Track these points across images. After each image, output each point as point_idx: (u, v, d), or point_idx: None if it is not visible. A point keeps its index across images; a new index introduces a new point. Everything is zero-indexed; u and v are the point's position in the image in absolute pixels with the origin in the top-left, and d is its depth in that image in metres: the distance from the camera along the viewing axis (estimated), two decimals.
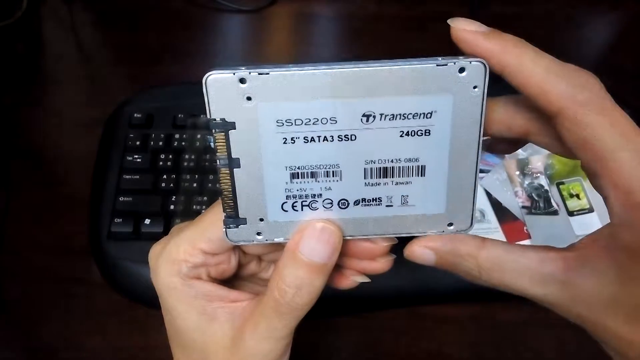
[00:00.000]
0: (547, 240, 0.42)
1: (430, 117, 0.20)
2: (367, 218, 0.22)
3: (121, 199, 0.44)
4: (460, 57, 0.19)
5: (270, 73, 0.19)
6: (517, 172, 0.46)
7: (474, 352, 0.42)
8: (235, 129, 0.20)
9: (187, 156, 0.46)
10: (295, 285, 0.22)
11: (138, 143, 0.47)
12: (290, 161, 0.21)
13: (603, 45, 0.61)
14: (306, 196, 0.22)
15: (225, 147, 0.20)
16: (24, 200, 0.48)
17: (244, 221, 0.22)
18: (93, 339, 0.42)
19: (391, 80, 0.19)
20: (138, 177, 0.45)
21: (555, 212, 0.44)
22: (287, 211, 0.22)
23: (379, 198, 0.22)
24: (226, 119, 0.20)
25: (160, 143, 0.47)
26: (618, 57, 0.59)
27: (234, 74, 0.19)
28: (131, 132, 0.48)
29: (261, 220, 0.22)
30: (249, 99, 0.20)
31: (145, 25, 0.61)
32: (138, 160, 0.46)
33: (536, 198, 0.44)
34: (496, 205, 0.44)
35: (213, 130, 0.20)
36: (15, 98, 0.54)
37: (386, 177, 0.21)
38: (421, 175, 0.21)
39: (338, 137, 0.20)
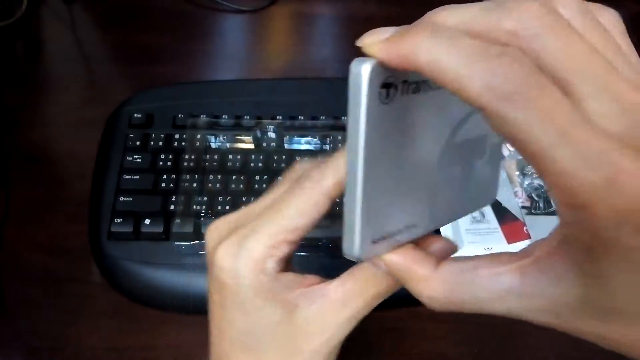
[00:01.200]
0: None
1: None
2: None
3: (121, 199, 0.44)
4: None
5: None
6: (517, 173, 0.46)
7: (473, 352, 0.42)
8: None
9: (187, 156, 0.46)
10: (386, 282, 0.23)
11: (138, 143, 0.47)
12: None
13: None
14: None
15: None
16: (24, 200, 0.48)
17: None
18: (93, 339, 0.42)
19: None
20: (138, 177, 0.45)
21: (555, 212, 0.44)
22: None
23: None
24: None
25: (160, 143, 0.47)
26: None
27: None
28: (131, 132, 0.48)
29: None
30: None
31: (145, 25, 0.61)
32: (138, 160, 0.46)
33: (536, 198, 0.44)
34: (496, 206, 0.44)
35: None
36: (15, 98, 0.54)
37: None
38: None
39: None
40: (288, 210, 0.22)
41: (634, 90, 0.15)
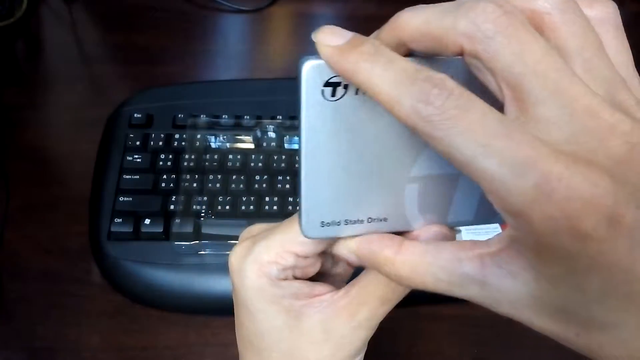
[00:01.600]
0: None
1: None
2: None
3: (121, 199, 0.44)
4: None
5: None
6: None
7: (473, 352, 0.43)
8: None
9: (187, 156, 0.46)
10: (398, 287, 0.23)
11: (138, 143, 0.47)
12: None
13: None
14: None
15: None
16: (23, 200, 0.48)
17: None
18: (93, 339, 0.42)
19: None
20: (138, 177, 0.45)
21: None
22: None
23: None
24: None
25: (160, 143, 0.47)
26: None
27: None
28: (131, 132, 0.48)
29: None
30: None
31: (145, 25, 0.61)
32: (138, 160, 0.46)
33: None
34: None
35: None
36: (15, 98, 0.54)
37: None
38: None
39: None
40: (296, 225, 0.23)
41: (590, 95, 0.15)
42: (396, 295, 0.24)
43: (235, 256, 0.24)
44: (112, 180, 0.45)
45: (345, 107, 0.19)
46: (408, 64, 0.17)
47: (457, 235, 0.43)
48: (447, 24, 0.16)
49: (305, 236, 0.22)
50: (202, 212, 0.44)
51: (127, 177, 0.45)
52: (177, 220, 0.43)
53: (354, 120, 0.19)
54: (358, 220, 0.22)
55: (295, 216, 0.24)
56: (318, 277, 0.27)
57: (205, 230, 0.43)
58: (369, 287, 0.24)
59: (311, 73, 0.18)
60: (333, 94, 0.19)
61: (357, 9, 0.63)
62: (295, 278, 0.25)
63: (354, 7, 0.63)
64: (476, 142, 0.15)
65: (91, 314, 0.43)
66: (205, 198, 0.44)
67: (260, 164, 0.46)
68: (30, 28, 0.60)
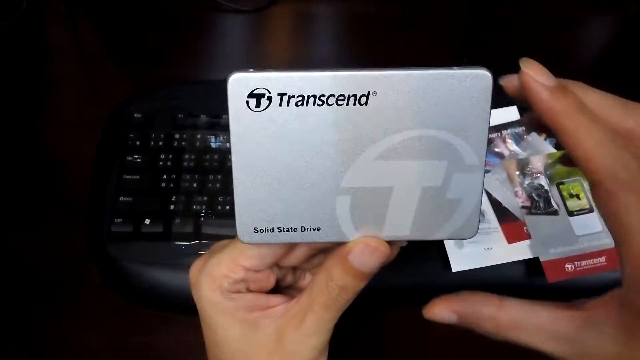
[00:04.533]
0: (547, 240, 0.42)
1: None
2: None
3: (121, 199, 0.44)
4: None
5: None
6: (517, 172, 0.46)
7: (474, 352, 0.42)
8: None
9: (187, 156, 0.46)
10: (341, 285, 0.24)
11: (138, 143, 0.47)
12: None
13: (603, 46, 0.61)
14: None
15: None
16: (24, 200, 0.48)
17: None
18: (93, 339, 0.42)
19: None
20: (138, 177, 0.45)
21: (555, 212, 0.44)
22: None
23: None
24: None
25: (160, 143, 0.47)
26: (618, 58, 0.60)
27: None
28: (131, 132, 0.48)
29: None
30: None
31: (145, 25, 0.61)
32: (138, 160, 0.46)
33: (536, 198, 0.44)
34: (496, 205, 0.44)
35: None
36: (15, 98, 0.54)
37: None
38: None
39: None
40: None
41: None
42: (338, 303, 0.24)
43: (193, 269, 0.26)
44: (112, 180, 0.45)
45: (270, 118, 0.21)
46: (607, 127, 0.20)
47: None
48: (616, 115, 0.21)
49: (241, 241, 0.23)
50: (202, 212, 0.44)
51: (127, 177, 0.45)
52: (177, 220, 0.43)
53: (280, 131, 0.21)
54: (291, 228, 0.23)
55: None
56: (283, 290, 0.28)
57: (205, 230, 0.43)
58: (312, 294, 0.24)
59: (236, 85, 0.20)
60: (257, 105, 0.21)
61: (357, 9, 0.63)
62: (251, 291, 0.26)
63: (354, 7, 0.63)
64: None
65: (91, 314, 0.43)
66: (205, 198, 0.44)
67: None
68: (30, 28, 0.60)
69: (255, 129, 0.21)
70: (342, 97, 0.21)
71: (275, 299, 0.26)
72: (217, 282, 0.25)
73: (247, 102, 0.21)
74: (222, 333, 0.25)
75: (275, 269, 0.26)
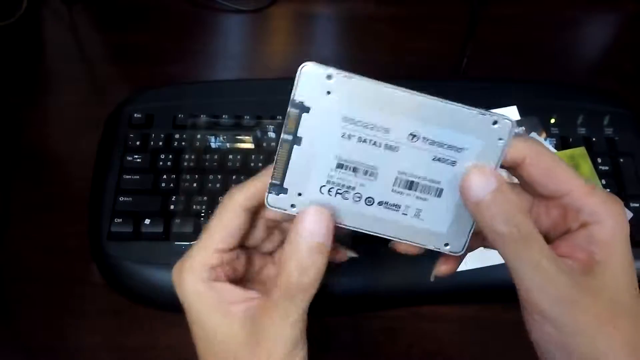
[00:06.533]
0: None
1: (459, 152, 0.24)
2: (382, 218, 0.26)
3: (121, 199, 0.44)
4: (495, 112, 0.23)
5: (353, 79, 0.23)
6: None
7: (474, 352, 0.43)
8: (308, 113, 0.23)
9: (187, 156, 0.46)
10: (300, 267, 0.24)
11: (138, 143, 0.47)
12: (341, 153, 0.24)
13: (603, 46, 0.61)
14: (342, 185, 0.25)
15: (294, 125, 0.24)
16: (24, 200, 0.48)
17: (285, 191, 0.25)
18: (93, 339, 0.42)
19: (442, 113, 0.23)
20: (138, 177, 0.45)
21: None
22: (322, 194, 0.25)
23: (398, 205, 0.25)
24: (304, 103, 0.23)
25: (160, 143, 0.47)
26: (618, 58, 0.60)
27: (324, 70, 0.23)
28: (131, 132, 0.48)
29: (299, 195, 0.25)
30: (328, 92, 0.23)
31: (145, 25, 0.61)
32: (138, 160, 0.46)
33: None
34: None
35: (291, 109, 0.23)
36: (16, 98, 0.54)
37: (410, 190, 0.25)
38: (437, 196, 0.25)
39: (385, 145, 0.24)
40: (213, 225, 0.27)
41: None
42: (299, 289, 0.24)
43: (174, 272, 0.27)
44: (112, 180, 0.45)
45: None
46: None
47: None
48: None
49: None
50: (202, 212, 0.44)
51: (127, 177, 0.45)
52: (177, 220, 0.43)
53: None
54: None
55: (211, 221, 0.27)
56: (261, 283, 0.30)
57: None
58: (275, 288, 0.25)
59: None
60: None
61: (357, 9, 0.63)
62: (230, 280, 0.27)
63: (354, 7, 0.63)
64: (537, 269, 0.23)
65: (91, 314, 0.43)
66: (205, 198, 0.44)
67: (260, 164, 0.46)
68: (30, 28, 0.60)
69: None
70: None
71: (252, 293, 0.27)
72: (197, 273, 0.26)
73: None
74: (210, 326, 0.26)
75: (244, 253, 0.28)
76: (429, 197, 0.25)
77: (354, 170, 0.24)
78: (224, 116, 0.48)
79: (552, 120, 0.49)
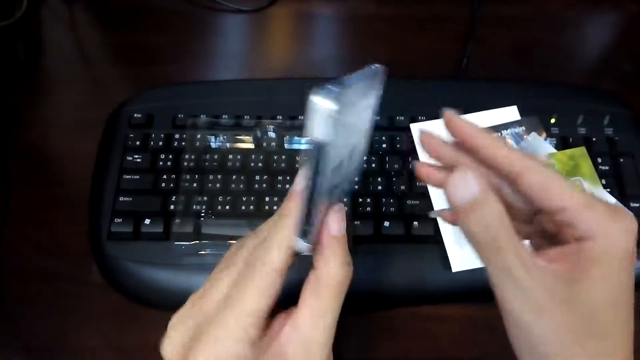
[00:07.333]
0: None
1: None
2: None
3: (121, 199, 0.44)
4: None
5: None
6: None
7: (473, 352, 0.42)
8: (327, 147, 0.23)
9: (187, 156, 0.46)
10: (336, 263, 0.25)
11: (138, 143, 0.47)
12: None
13: (603, 46, 0.61)
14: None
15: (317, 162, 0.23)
16: (24, 200, 0.48)
17: (308, 230, 0.25)
18: (93, 339, 0.42)
19: None
20: (138, 177, 0.45)
21: None
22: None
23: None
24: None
25: (160, 143, 0.47)
26: (618, 58, 0.59)
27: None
28: (131, 132, 0.48)
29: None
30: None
31: (145, 25, 0.61)
32: (138, 160, 0.46)
33: None
34: None
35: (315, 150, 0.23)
36: (15, 98, 0.54)
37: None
38: None
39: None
40: (249, 298, 0.25)
41: None
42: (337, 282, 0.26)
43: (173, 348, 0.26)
44: (112, 180, 0.45)
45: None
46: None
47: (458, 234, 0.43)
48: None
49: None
50: (202, 212, 0.44)
51: (127, 177, 0.45)
52: (177, 220, 0.43)
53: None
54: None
55: (231, 291, 0.25)
56: None
57: (205, 230, 0.43)
58: (311, 286, 0.25)
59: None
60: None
61: (357, 9, 0.63)
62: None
63: (354, 7, 0.63)
64: (524, 269, 0.24)
65: (91, 314, 0.43)
66: (205, 198, 0.44)
67: (260, 164, 0.46)
68: (30, 28, 0.60)
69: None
70: None
71: (272, 320, 0.26)
72: (249, 317, 0.25)
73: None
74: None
75: None
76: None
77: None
78: (224, 116, 0.48)
79: (552, 120, 0.49)
